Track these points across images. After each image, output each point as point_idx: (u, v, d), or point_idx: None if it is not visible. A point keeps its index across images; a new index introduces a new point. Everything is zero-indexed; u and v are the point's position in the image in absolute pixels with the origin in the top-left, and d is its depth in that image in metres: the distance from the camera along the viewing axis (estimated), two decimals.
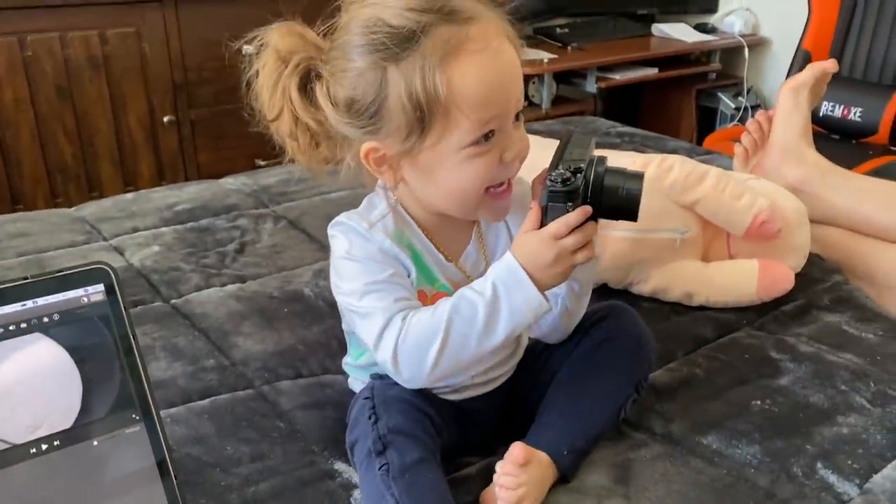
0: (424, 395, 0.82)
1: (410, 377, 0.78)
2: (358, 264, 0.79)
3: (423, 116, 0.73)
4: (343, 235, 0.81)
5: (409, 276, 0.81)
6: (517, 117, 0.78)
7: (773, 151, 1.42)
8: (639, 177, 0.76)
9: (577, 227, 0.74)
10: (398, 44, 0.72)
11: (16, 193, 2.05)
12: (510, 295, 0.74)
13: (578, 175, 0.73)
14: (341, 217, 0.82)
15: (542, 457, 0.80)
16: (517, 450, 0.77)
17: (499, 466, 0.78)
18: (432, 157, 0.76)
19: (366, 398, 0.82)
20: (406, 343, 0.76)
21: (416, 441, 0.76)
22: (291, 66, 0.79)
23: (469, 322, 0.75)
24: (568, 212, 0.73)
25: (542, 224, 0.75)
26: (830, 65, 1.46)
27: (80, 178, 2.12)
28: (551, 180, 0.73)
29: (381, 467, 0.74)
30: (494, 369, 0.88)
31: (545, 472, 0.80)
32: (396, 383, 0.81)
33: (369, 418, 0.79)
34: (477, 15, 0.74)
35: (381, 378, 0.84)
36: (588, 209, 0.74)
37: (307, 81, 0.79)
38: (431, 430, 0.79)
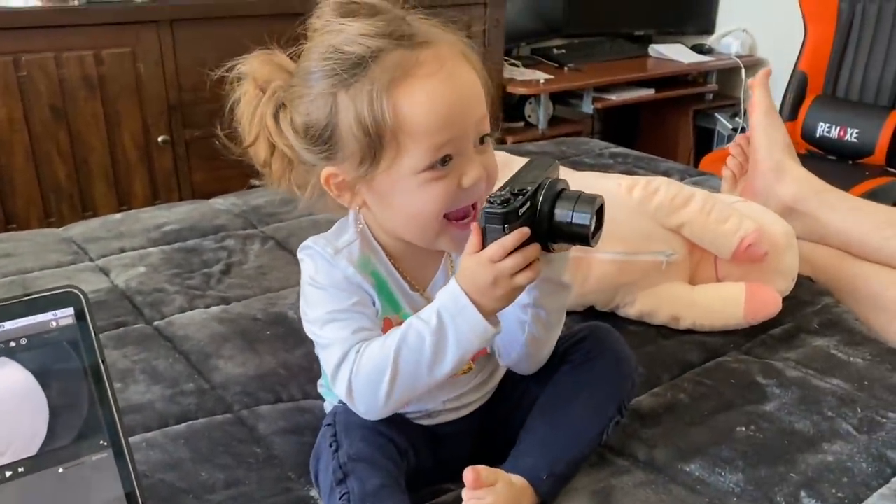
0: (390, 420, 0.81)
1: (367, 410, 0.78)
2: (322, 291, 0.78)
3: (373, 142, 0.73)
4: (310, 260, 0.80)
5: (373, 305, 0.80)
6: (482, 140, 0.76)
7: (762, 172, 1.42)
8: (591, 201, 0.73)
9: (518, 250, 0.71)
10: (348, 70, 0.72)
11: (9, 213, 2.04)
12: (455, 322, 0.73)
13: (520, 197, 0.71)
14: (309, 241, 0.82)
15: (516, 479, 0.79)
16: (468, 473, 0.76)
17: (464, 493, 0.77)
18: (387, 182, 0.75)
19: (328, 425, 0.82)
20: (359, 377, 0.75)
21: (377, 468, 0.75)
22: (268, 94, 0.80)
23: (417, 351, 0.74)
24: (506, 234, 0.71)
25: (484, 247, 0.73)
26: (766, 71, 1.50)
27: (73, 198, 2.11)
28: (489, 201, 0.71)
29: (342, 496, 0.73)
30: (467, 395, 0.87)
31: (519, 494, 0.78)
32: None
33: (330, 446, 0.78)
34: (432, 39, 0.74)
35: (344, 403, 0.83)
36: (525, 231, 0.71)
37: (280, 109, 0.79)
38: (395, 456, 0.78)
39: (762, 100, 1.45)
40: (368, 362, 0.75)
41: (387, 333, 0.77)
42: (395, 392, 0.75)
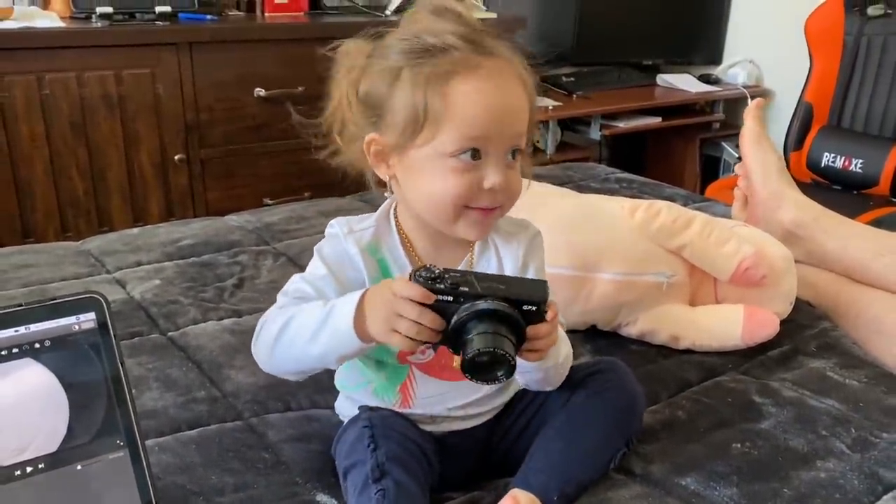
0: (416, 429, 0.86)
1: (257, 357, 0.88)
2: (315, 257, 0.87)
3: (418, 117, 0.79)
4: (328, 232, 0.89)
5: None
6: (514, 156, 0.81)
7: (761, 200, 1.44)
8: (493, 344, 0.70)
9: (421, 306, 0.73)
10: (419, 53, 0.80)
11: (28, 226, 2.09)
12: (336, 318, 0.78)
13: (446, 286, 0.72)
14: (337, 218, 0.89)
15: (526, 496, 0.81)
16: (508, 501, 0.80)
17: None
18: (419, 158, 0.81)
19: (364, 426, 0.84)
20: (264, 326, 0.85)
21: (411, 471, 0.79)
22: (353, 69, 0.86)
23: (304, 325, 0.81)
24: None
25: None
26: (758, 101, 1.54)
27: (90, 213, 2.16)
28: (426, 268, 0.73)
29: (377, 492, 0.76)
30: (473, 406, 0.90)
31: None
32: (394, 415, 0.86)
33: (368, 445, 0.81)
34: (498, 53, 0.81)
35: (371, 409, 0.88)
36: (429, 298, 0.72)
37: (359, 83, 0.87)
38: (425, 463, 0.83)
39: (752, 128, 1.48)
40: (275, 316, 0.84)
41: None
42: (276, 350, 0.83)
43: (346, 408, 0.95)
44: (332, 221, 0.89)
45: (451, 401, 0.89)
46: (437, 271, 0.73)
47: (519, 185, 0.83)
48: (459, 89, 0.78)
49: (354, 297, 0.78)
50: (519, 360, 0.75)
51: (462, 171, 0.79)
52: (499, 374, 0.72)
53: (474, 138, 0.79)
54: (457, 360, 0.74)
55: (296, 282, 0.87)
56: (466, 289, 0.72)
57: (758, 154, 1.46)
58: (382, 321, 0.75)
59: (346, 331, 0.78)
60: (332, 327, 0.79)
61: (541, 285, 0.76)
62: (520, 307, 0.73)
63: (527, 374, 0.86)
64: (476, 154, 0.79)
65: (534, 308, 0.73)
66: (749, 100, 3.13)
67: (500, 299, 0.72)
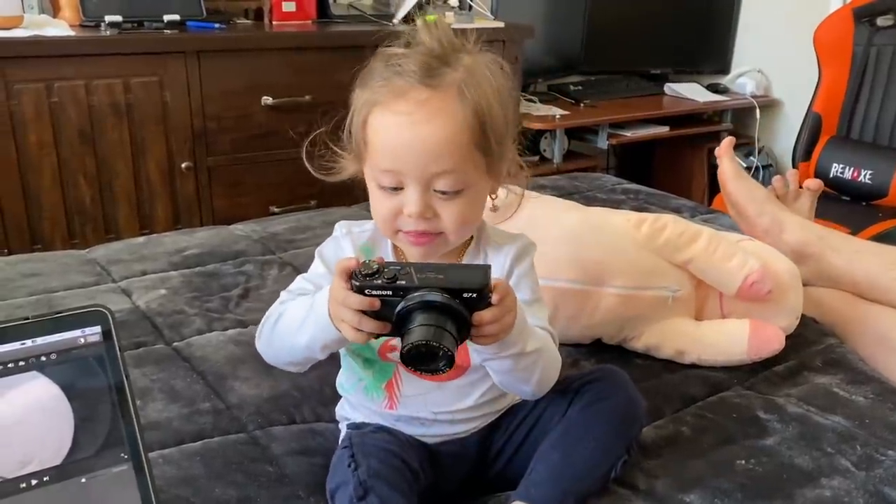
0: (402, 442, 0.85)
1: (259, 347, 0.92)
2: (316, 258, 0.92)
3: (353, 140, 0.85)
4: (329, 238, 0.93)
5: None
6: (444, 192, 0.80)
7: (764, 231, 1.44)
8: (436, 341, 0.71)
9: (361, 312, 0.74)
10: (367, 78, 0.83)
11: (35, 233, 2.10)
12: (316, 308, 0.81)
13: (384, 281, 0.73)
14: (342, 221, 0.94)
15: None
16: None
17: None
18: (367, 177, 0.86)
19: (344, 447, 0.85)
20: (266, 318, 0.89)
21: (394, 485, 0.79)
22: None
23: (293, 316, 0.85)
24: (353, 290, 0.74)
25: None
26: (730, 139, 1.53)
27: (97, 221, 2.17)
28: (364, 263, 0.74)
29: None
30: (462, 412, 0.90)
31: None
32: (374, 432, 0.87)
33: (349, 466, 0.82)
34: (439, 85, 0.79)
35: (356, 427, 0.88)
36: (366, 305, 0.73)
37: None
38: (409, 477, 0.82)
39: (729, 167, 1.49)
40: (274, 309, 0.89)
41: None
42: (273, 341, 0.88)
43: (344, 410, 0.97)
44: (337, 223, 0.93)
45: (435, 404, 0.89)
46: (375, 266, 0.74)
47: (463, 216, 0.82)
48: (374, 121, 0.81)
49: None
50: (477, 348, 0.78)
51: (387, 196, 0.82)
52: (440, 364, 0.73)
53: (385, 170, 0.81)
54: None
55: (298, 281, 0.91)
56: (404, 282, 0.73)
57: (743, 189, 1.47)
58: (333, 317, 0.77)
59: (325, 319, 0.79)
60: (314, 316, 0.81)
61: (480, 271, 0.75)
62: (459, 295, 0.73)
63: (494, 370, 0.84)
64: (396, 188, 0.81)
65: (474, 294, 0.73)
66: (758, 110, 3.14)
67: (437, 290, 0.72)
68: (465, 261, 0.89)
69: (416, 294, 0.73)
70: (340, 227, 0.92)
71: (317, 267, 0.91)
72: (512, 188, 0.92)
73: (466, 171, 0.81)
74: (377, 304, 0.73)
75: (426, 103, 0.79)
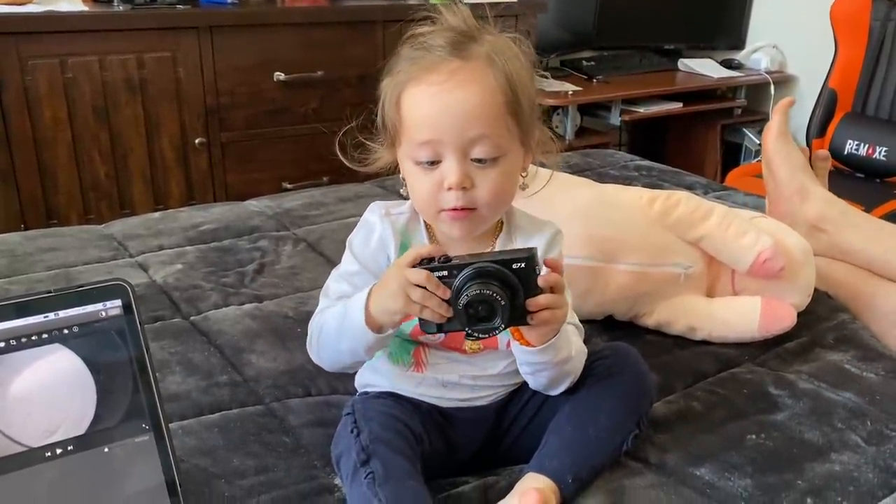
0: (405, 406, 0.88)
1: (312, 354, 0.94)
2: (348, 251, 0.92)
3: (388, 125, 0.86)
4: (360, 223, 0.93)
5: None
6: (482, 160, 0.82)
7: (786, 196, 1.44)
8: (490, 291, 0.76)
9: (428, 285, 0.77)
10: (396, 64, 0.85)
11: (51, 209, 2.12)
12: (350, 318, 0.84)
13: (439, 262, 0.78)
14: (376, 202, 0.93)
15: (551, 486, 0.83)
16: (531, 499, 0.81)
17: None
18: (403, 162, 0.87)
19: (347, 414, 0.88)
20: (311, 329, 0.92)
21: (397, 450, 0.81)
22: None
23: (330, 328, 0.88)
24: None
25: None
26: (789, 100, 1.54)
27: (112, 196, 2.19)
28: (438, 259, 0.78)
29: (366, 476, 0.78)
30: (484, 378, 0.92)
31: (551, 500, 0.83)
32: (376, 398, 0.90)
33: (351, 431, 0.84)
34: (468, 56, 0.82)
35: (360, 395, 0.92)
36: (428, 279, 0.77)
37: None
38: (411, 440, 0.84)
39: (778, 125, 1.48)
40: (316, 319, 0.91)
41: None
42: (321, 349, 0.91)
43: (364, 378, 0.97)
44: (372, 205, 0.93)
45: (462, 369, 0.91)
46: (436, 260, 0.78)
47: (499, 186, 0.84)
48: (408, 97, 0.83)
49: (363, 296, 0.83)
50: (526, 353, 0.81)
51: (426, 172, 0.83)
52: (497, 322, 0.76)
53: (423, 143, 0.82)
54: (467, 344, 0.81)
55: (334, 281, 0.92)
56: (458, 261, 0.78)
57: (783, 149, 1.46)
58: (393, 297, 0.79)
59: (360, 327, 0.82)
60: (349, 326, 0.84)
61: (527, 249, 0.80)
62: (509, 266, 0.77)
63: (538, 370, 0.87)
64: (434, 162, 0.82)
65: (522, 265, 0.77)
66: (772, 86, 3.11)
67: (488, 261, 0.77)
68: (497, 247, 0.91)
69: (468, 268, 0.77)
70: (380, 208, 0.91)
71: (349, 264, 0.91)
72: (539, 169, 0.94)
73: (501, 136, 0.83)
74: (434, 280, 0.76)
75: (458, 72, 0.81)
